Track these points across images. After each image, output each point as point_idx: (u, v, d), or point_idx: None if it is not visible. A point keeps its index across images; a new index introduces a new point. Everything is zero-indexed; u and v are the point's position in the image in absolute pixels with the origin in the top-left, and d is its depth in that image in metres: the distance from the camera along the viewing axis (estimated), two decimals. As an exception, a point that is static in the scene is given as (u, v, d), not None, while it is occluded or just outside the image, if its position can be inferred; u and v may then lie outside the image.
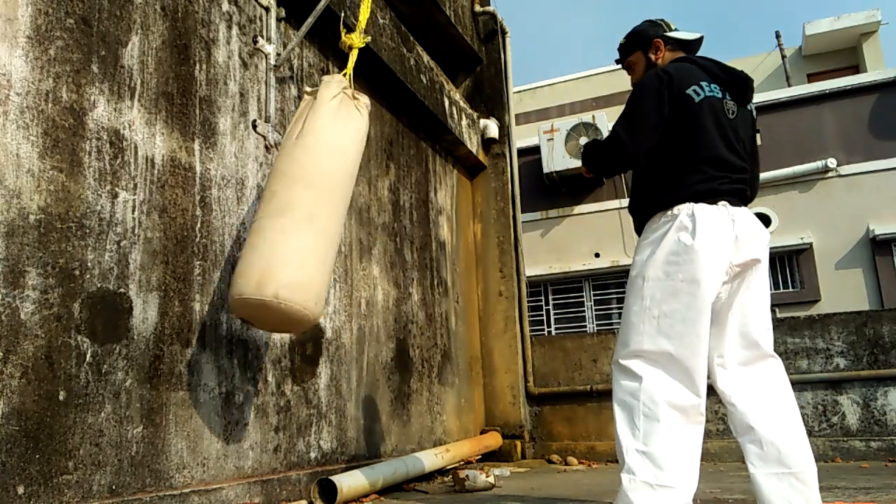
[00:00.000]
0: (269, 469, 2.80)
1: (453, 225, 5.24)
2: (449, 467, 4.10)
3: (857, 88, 9.04)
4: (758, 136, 2.37)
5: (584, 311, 9.87)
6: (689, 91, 2.12)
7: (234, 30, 2.95)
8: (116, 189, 2.26)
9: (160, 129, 2.47)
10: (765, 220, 9.05)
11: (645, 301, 2.05)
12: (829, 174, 8.92)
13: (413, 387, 4.21)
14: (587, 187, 9.92)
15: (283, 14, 3.27)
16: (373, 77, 4.08)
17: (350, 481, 2.94)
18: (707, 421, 4.69)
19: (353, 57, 2.87)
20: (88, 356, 2.07)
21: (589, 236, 9.73)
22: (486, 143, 5.71)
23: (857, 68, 12.44)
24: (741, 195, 2.14)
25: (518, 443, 5.07)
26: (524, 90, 13.77)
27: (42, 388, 1.91)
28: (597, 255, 9.69)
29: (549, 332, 9.88)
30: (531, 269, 8.76)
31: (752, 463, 1.99)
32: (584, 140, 9.19)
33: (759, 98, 9.25)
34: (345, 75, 2.73)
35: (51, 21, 2.10)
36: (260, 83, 3.09)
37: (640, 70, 2.39)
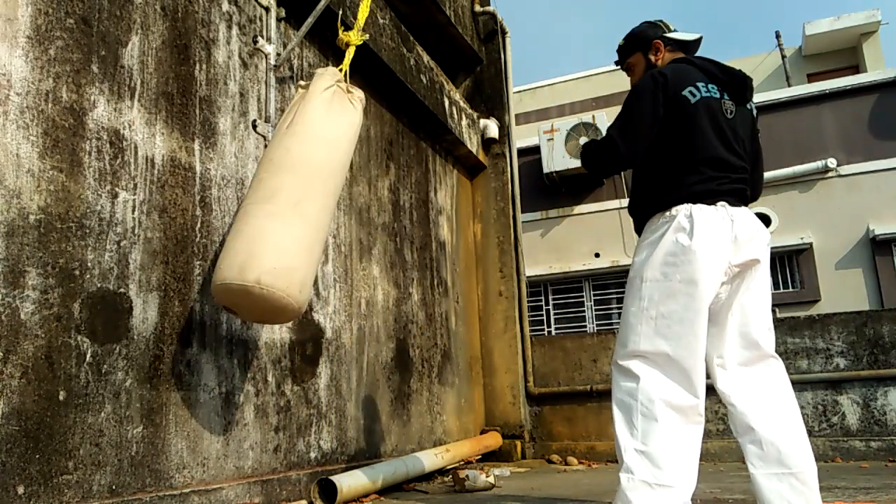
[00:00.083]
0: (269, 469, 2.80)
1: (453, 225, 5.24)
2: (449, 467, 4.10)
3: (857, 88, 9.04)
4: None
5: (584, 311, 9.87)
6: (685, 92, 2.12)
7: (234, 30, 2.95)
8: (116, 189, 2.25)
9: (160, 129, 2.47)
10: (765, 220, 9.05)
11: (643, 302, 2.06)
12: (829, 174, 8.92)
13: (413, 387, 4.21)
14: (587, 187, 9.92)
15: (283, 14, 3.27)
16: (373, 77, 4.08)
17: (350, 481, 2.94)
18: (707, 421, 4.70)
19: (349, 54, 2.87)
20: (88, 356, 2.07)
21: (589, 236, 9.73)
22: (486, 143, 5.71)
23: (857, 68, 12.44)
24: (741, 195, 2.14)
25: (518, 443, 5.07)
26: (524, 90, 13.76)
27: (42, 388, 1.91)
28: (597, 255, 9.69)
29: (549, 332, 9.88)
30: (531, 269, 8.76)
31: (753, 463, 2.00)
32: (584, 140, 9.19)
33: (759, 98, 9.25)
34: (341, 70, 2.72)
35: (51, 21, 2.10)
36: (260, 83, 3.09)
37: (640, 71, 2.39)
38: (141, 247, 2.32)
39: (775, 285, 8.96)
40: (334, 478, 2.86)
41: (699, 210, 2.04)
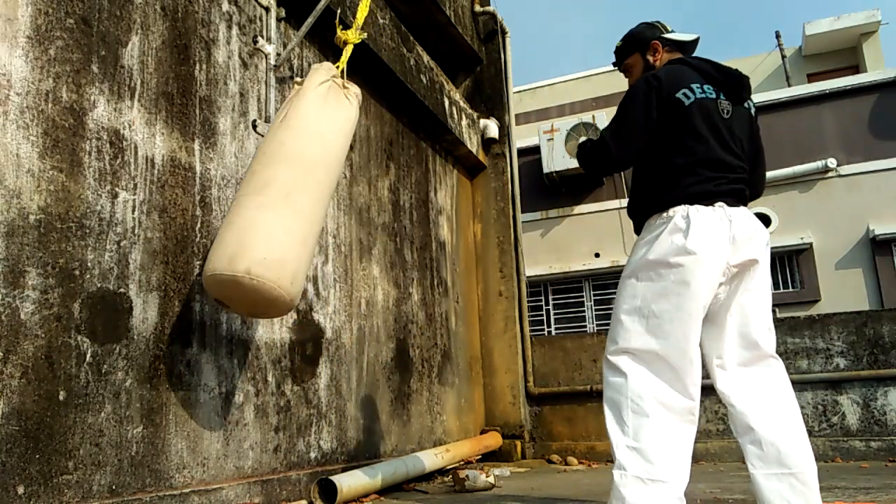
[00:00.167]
0: (269, 469, 2.80)
1: (453, 225, 5.24)
2: (449, 467, 4.10)
3: (857, 88, 9.04)
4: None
5: (584, 311, 9.88)
6: (679, 95, 2.12)
7: (234, 30, 2.95)
8: (116, 189, 2.25)
9: (160, 129, 2.47)
10: (765, 220, 9.05)
11: (636, 300, 2.07)
12: (829, 174, 8.92)
13: (413, 387, 4.21)
14: (587, 187, 9.92)
15: (283, 14, 3.27)
16: (373, 77, 4.08)
17: (350, 481, 2.94)
18: (707, 421, 4.73)
19: (347, 51, 2.86)
20: (88, 356, 2.07)
21: (589, 236, 9.73)
22: (486, 143, 5.71)
23: (857, 68, 12.44)
24: (739, 195, 2.14)
25: (518, 443, 5.07)
26: (524, 90, 13.76)
27: (42, 388, 1.91)
28: (597, 255, 9.69)
29: (549, 332, 9.88)
30: (531, 269, 8.76)
31: (752, 463, 2.00)
32: (583, 140, 9.20)
33: (759, 98, 9.26)
34: (338, 68, 2.72)
35: (51, 21, 2.10)
36: (260, 83, 3.09)
37: (638, 72, 2.40)
38: (141, 247, 2.32)
39: (775, 285, 8.96)
40: (334, 478, 2.86)
41: (696, 211, 2.04)
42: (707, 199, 2.06)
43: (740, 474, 3.68)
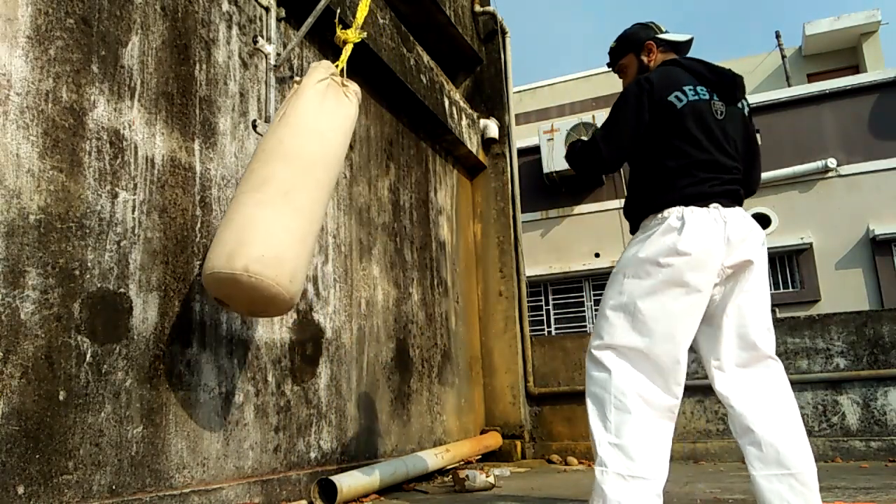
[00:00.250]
0: (269, 469, 2.80)
1: (453, 225, 5.25)
2: (449, 467, 4.10)
3: (857, 88, 9.05)
4: (757, 134, 2.37)
5: (584, 311, 9.88)
6: (671, 98, 2.13)
7: (234, 30, 2.95)
8: (116, 189, 2.26)
9: (160, 129, 2.47)
10: (765, 220, 9.05)
11: (622, 296, 2.07)
12: (829, 174, 8.92)
13: (413, 387, 4.21)
14: (587, 187, 9.93)
15: (283, 14, 3.27)
16: (373, 77, 4.08)
17: (350, 481, 2.94)
18: (707, 421, 4.74)
19: (347, 50, 2.86)
20: (88, 356, 2.07)
21: (589, 236, 9.73)
22: (486, 143, 5.71)
23: (857, 68, 12.45)
24: (734, 196, 2.15)
25: (518, 443, 5.07)
26: (524, 90, 13.77)
27: (42, 388, 1.91)
28: (597, 255, 9.70)
29: (549, 332, 9.88)
30: (531, 269, 8.76)
31: (752, 464, 2.00)
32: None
33: (759, 98, 9.27)
34: (338, 67, 2.71)
35: (51, 21, 2.10)
36: (260, 83, 3.09)
37: (633, 73, 2.40)
38: (141, 247, 2.32)
39: (775, 285, 8.96)
40: (334, 478, 2.86)
41: (691, 212, 2.05)
42: (702, 201, 2.07)
43: (740, 474, 3.68)
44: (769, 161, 9.00)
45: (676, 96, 2.13)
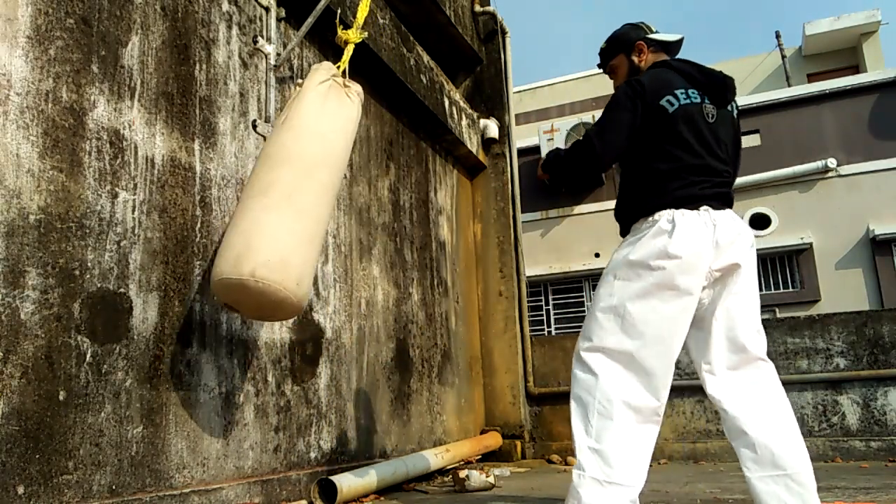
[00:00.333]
0: (269, 469, 2.80)
1: (453, 225, 5.25)
2: (449, 467, 4.10)
3: (857, 88, 9.05)
4: (744, 137, 2.37)
5: (584, 312, 9.87)
6: (663, 102, 2.13)
7: (234, 30, 2.95)
8: (116, 189, 2.26)
9: (160, 129, 2.47)
10: (765, 220, 9.06)
11: (612, 298, 2.07)
12: (829, 174, 8.92)
13: (413, 387, 4.21)
14: (587, 187, 9.92)
15: (283, 14, 3.27)
16: (373, 77, 4.08)
17: (350, 481, 2.94)
18: (707, 421, 4.73)
19: (348, 51, 2.86)
20: (88, 356, 2.07)
21: (589, 236, 9.73)
22: (486, 143, 5.71)
23: (857, 68, 12.45)
24: (724, 198, 2.15)
25: (518, 443, 5.07)
26: (524, 90, 13.77)
27: (42, 388, 1.91)
28: (597, 255, 9.69)
29: (549, 332, 9.88)
30: (531, 269, 8.76)
31: (748, 467, 2.00)
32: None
33: (759, 98, 9.27)
34: (339, 68, 2.72)
35: (51, 21, 2.10)
36: (260, 83, 3.09)
37: (623, 73, 2.40)
38: (141, 247, 2.32)
39: (775, 285, 8.96)
40: (334, 478, 2.86)
41: (681, 215, 2.05)
42: (692, 203, 2.07)
43: (740, 474, 3.65)
44: (769, 161, 9.02)
45: (668, 100, 2.13)
